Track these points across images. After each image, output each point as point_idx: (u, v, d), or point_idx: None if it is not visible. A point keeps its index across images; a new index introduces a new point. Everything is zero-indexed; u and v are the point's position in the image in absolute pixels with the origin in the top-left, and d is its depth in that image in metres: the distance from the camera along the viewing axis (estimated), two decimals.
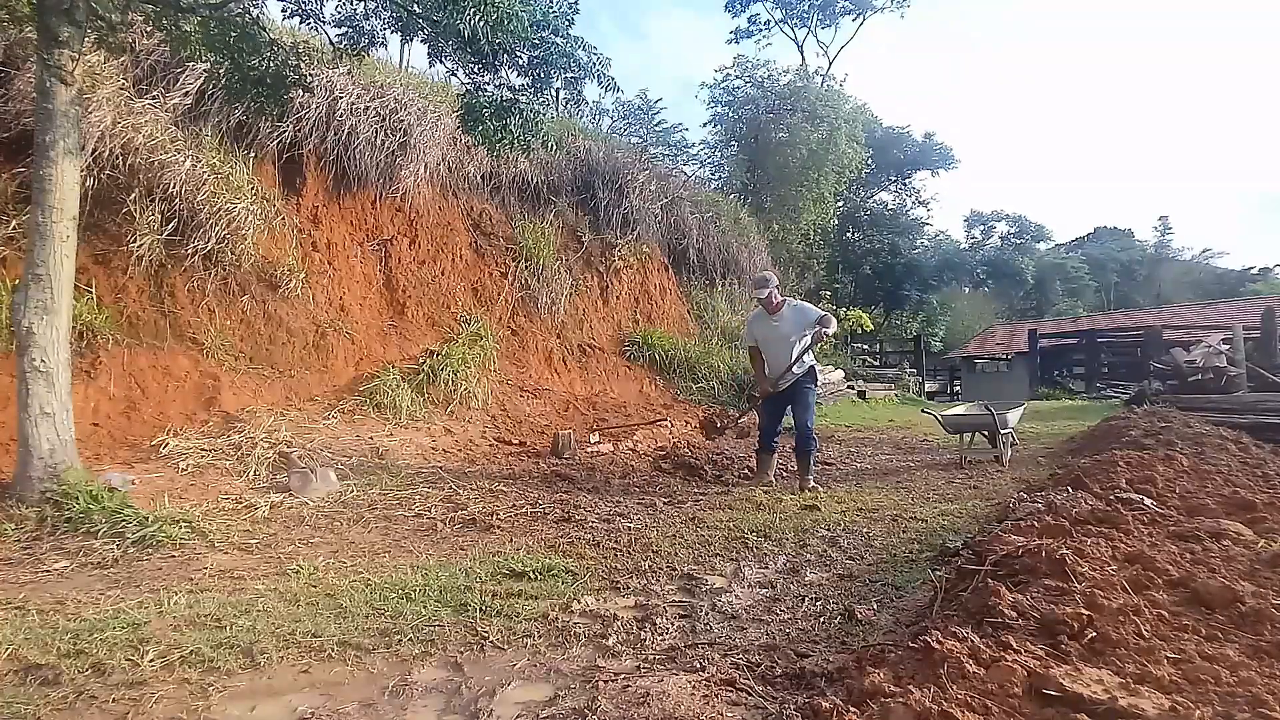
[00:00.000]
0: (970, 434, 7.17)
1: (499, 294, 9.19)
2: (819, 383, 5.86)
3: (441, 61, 5.49)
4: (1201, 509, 3.03)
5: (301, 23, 5.82)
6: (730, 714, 1.95)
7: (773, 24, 25.52)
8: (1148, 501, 3.10)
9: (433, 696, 2.15)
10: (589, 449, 6.95)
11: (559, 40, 5.36)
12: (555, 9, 5.36)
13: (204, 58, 5.33)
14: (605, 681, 2.17)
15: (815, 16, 25.05)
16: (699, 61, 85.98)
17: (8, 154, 5.41)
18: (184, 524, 3.85)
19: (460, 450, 6.53)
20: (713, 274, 13.44)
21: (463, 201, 9.31)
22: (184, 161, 6.03)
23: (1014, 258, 36.29)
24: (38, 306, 3.95)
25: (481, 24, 4.62)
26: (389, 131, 7.93)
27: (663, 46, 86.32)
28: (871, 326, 20.42)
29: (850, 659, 2.16)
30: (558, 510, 4.66)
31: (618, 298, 11.04)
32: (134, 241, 5.72)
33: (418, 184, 8.32)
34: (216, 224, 6.14)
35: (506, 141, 5.50)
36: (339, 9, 5.65)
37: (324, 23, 5.70)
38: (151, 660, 2.28)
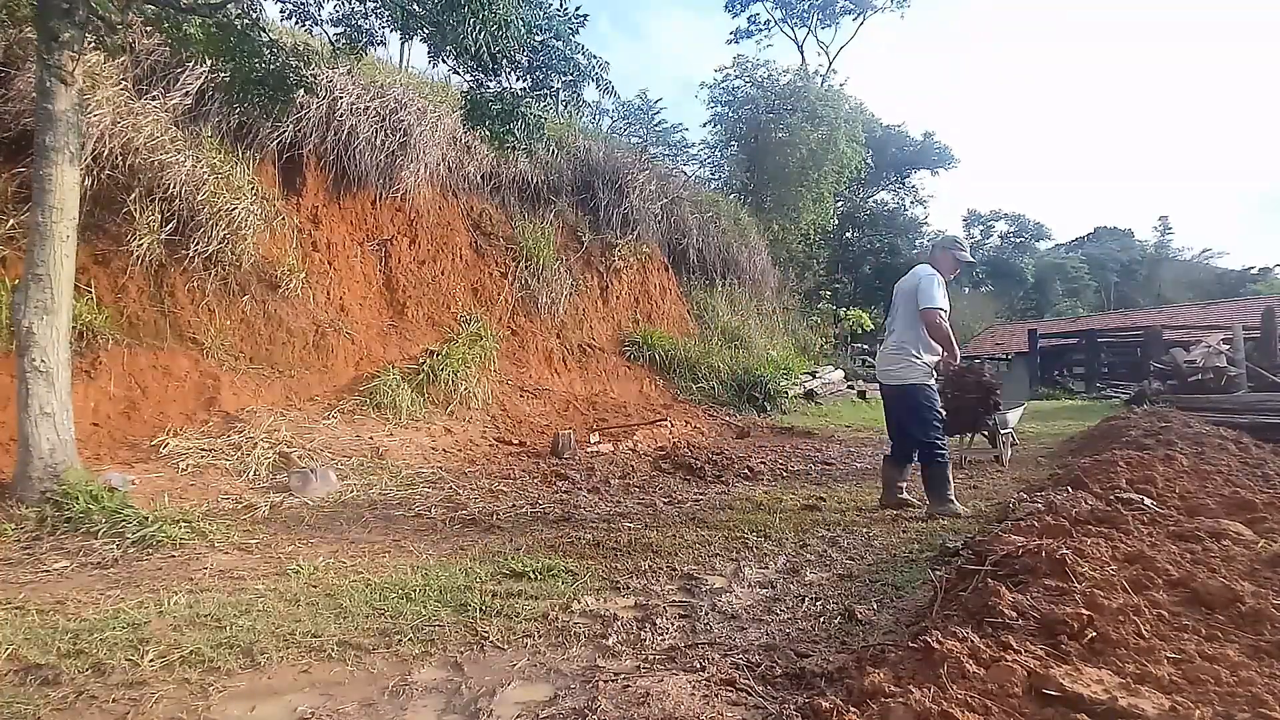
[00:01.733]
0: (970, 434, 7.16)
1: (499, 294, 9.19)
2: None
3: (443, 61, 5.50)
4: (1201, 509, 3.03)
5: (299, 24, 5.82)
6: (730, 714, 1.95)
7: (773, 24, 25.57)
8: (1148, 501, 3.10)
9: (433, 696, 2.15)
10: (589, 449, 6.95)
11: (558, 44, 5.37)
12: (561, 16, 5.38)
13: (206, 59, 5.33)
14: (605, 681, 2.17)
15: (815, 16, 25.08)
16: (698, 62, 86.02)
17: (8, 154, 5.41)
18: (184, 524, 3.86)
19: (460, 450, 6.53)
20: (713, 274, 13.45)
21: (463, 201, 9.32)
22: (184, 162, 6.04)
23: (1014, 257, 36.30)
24: (38, 306, 3.95)
25: (483, 35, 4.63)
26: (389, 131, 7.94)
27: (661, 47, 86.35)
28: (872, 326, 20.39)
29: (850, 659, 2.16)
30: (558, 510, 4.66)
31: (618, 298, 11.05)
32: (134, 241, 5.73)
33: (418, 184, 8.33)
34: (217, 224, 6.15)
35: (510, 143, 5.51)
36: (337, 8, 5.64)
37: (321, 23, 5.70)
38: (151, 660, 2.28)
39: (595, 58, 5.57)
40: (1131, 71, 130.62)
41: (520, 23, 4.79)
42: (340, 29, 5.69)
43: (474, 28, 4.58)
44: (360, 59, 6.40)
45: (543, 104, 5.60)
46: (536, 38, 5.17)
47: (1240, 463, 4.63)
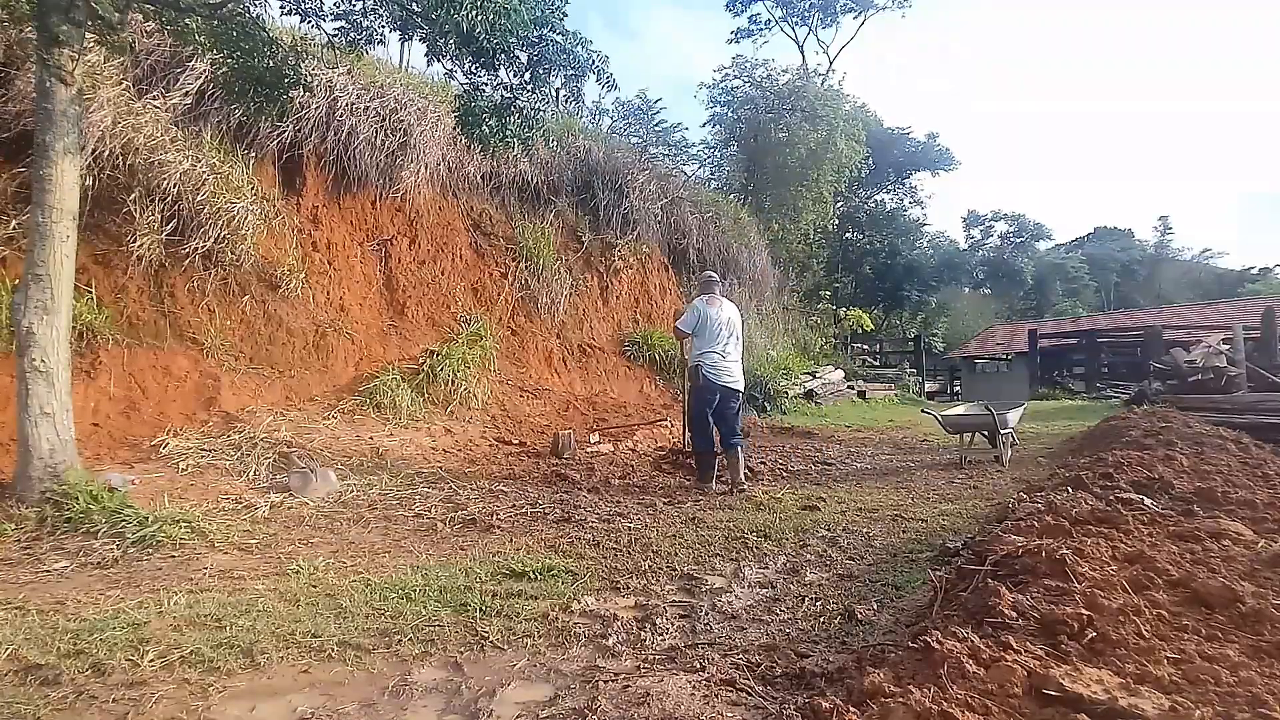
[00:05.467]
0: (970, 434, 7.17)
1: (499, 294, 9.19)
2: (696, 389, 5.78)
3: (440, 60, 5.48)
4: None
5: (302, 20, 5.81)
6: (730, 714, 1.96)
7: (773, 23, 25.53)
8: (1148, 501, 3.10)
9: (433, 696, 2.15)
10: (589, 449, 6.94)
11: (557, 38, 5.36)
12: (550, 5, 5.35)
13: (206, 55, 5.31)
14: (605, 681, 2.17)
15: (816, 16, 25.06)
16: (692, 60, 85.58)
17: (8, 154, 5.41)
18: (184, 524, 3.85)
19: (460, 450, 6.53)
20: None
21: (463, 201, 9.31)
22: (184, 161, 6.03)
23: (1014, 258, 36.26)
24: (38, 306, 3.95)
25: (480, 19, 4.61)
26: (389, 131, 7.93)
27: (654, 46, 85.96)
28: (871, 326, 20.39)
29: (850, 659, 2.16)
30: (558, 510, 4.66)
31: (618, 298, 11.05)
32: (134, 241, 5.72)
33: (418, 184, 8.32)
34: (216, 224, 6.14)
35: (505, 140, 5.49)
36: (337, 5, 5.63)
37: (322, 18, 5.67)
38: (151, 660, 2.28)
39: (595, 50, 5.55)
40: (1132, 71, 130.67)
41: (523, 10, 4.78)
42: (339, 25, 5.67)
43: (472, 14, 4.56)
44: (360, 58, 6.38)
45: (540, 98, 5.57)
46: (535, 32, 5.15)
47: (1240, 463, 4.63)
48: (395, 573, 3.31)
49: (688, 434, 6.03)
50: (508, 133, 5.41)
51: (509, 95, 5.46)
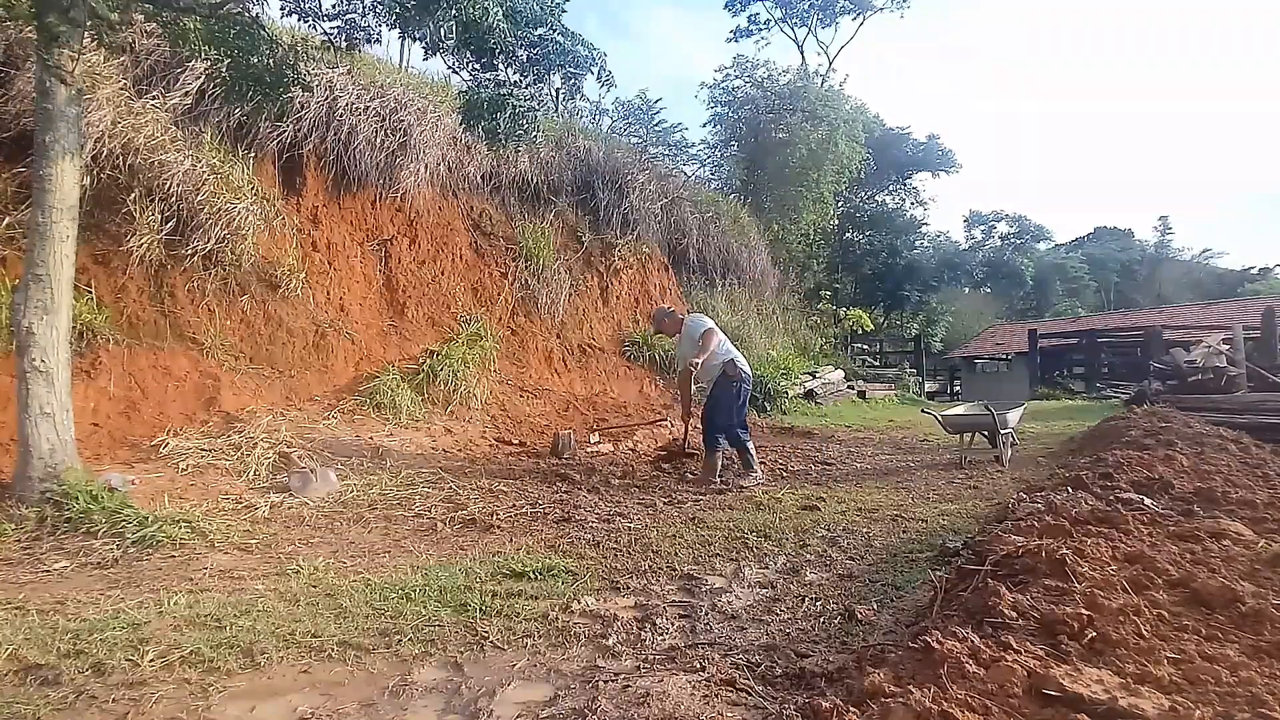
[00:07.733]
0: (970, 434, 7.17)
1: (499, 294, 9.19)
2: (726, 386, 5.77)
3: (438, 55, 5.49)
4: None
5: (301, 20, 5.81)
6: (730, 714, 1.96)
7: (772, 23, 25.52)
8: (1148, 501, 3.11)
9: (433, 696, 2.15)
10: (589, 449, 6.94)
11: (557, 37, 5.37)
12: (547, 4, 5.36)
13: (204, 55, 5.33)
14: (605, 681, 2.17)
15: (815, 16, 25.06)
16: (692, 60, 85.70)
17: (8, 154, 5.41)
18: (184, 524, 3.86)
19: (460, 450, 6.53)
20: (713, 274, 13.45)
21: (463, 201, 9.31)
22: (184, 161, 6.03)
23: (1014, 258, 36.24)
24: (38, 306, 3.95)
25: (476, 11, 4.62)
26: (389, 131, 7.93)
27: (654, 46, 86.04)
28: (871, 326, 20.37)
29: (850, 659, 2.16)
30: (558, 510, 4.66)
31: (618, 298, 11.05)
32: (134, 241, 5.72)
33: (418, 184, 8.32)
34: (216, 224, 6.14)
35: (499, 133, 5.50)
36: (335, 6, 5.63)
37: (320, 18, 5.68)
38: (151, 660, 2.28)
39: (594, 49, 5.57)
40: (1132, 71, 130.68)
41: (499, 11, 4.78)
42: (336, 23, 5.68)
43: (449, 18, 4.58)
44: (358, 58, 6.37)
45: (534, 92, 5.60)
46: (532, 32, 5.17)
47: (1240, 463, 4.63)
48: (395, 573, 3.31)
49: (714, 432, 5.74)
50: (499, 126, 5.41)
51: (507, 91, 5.47)
